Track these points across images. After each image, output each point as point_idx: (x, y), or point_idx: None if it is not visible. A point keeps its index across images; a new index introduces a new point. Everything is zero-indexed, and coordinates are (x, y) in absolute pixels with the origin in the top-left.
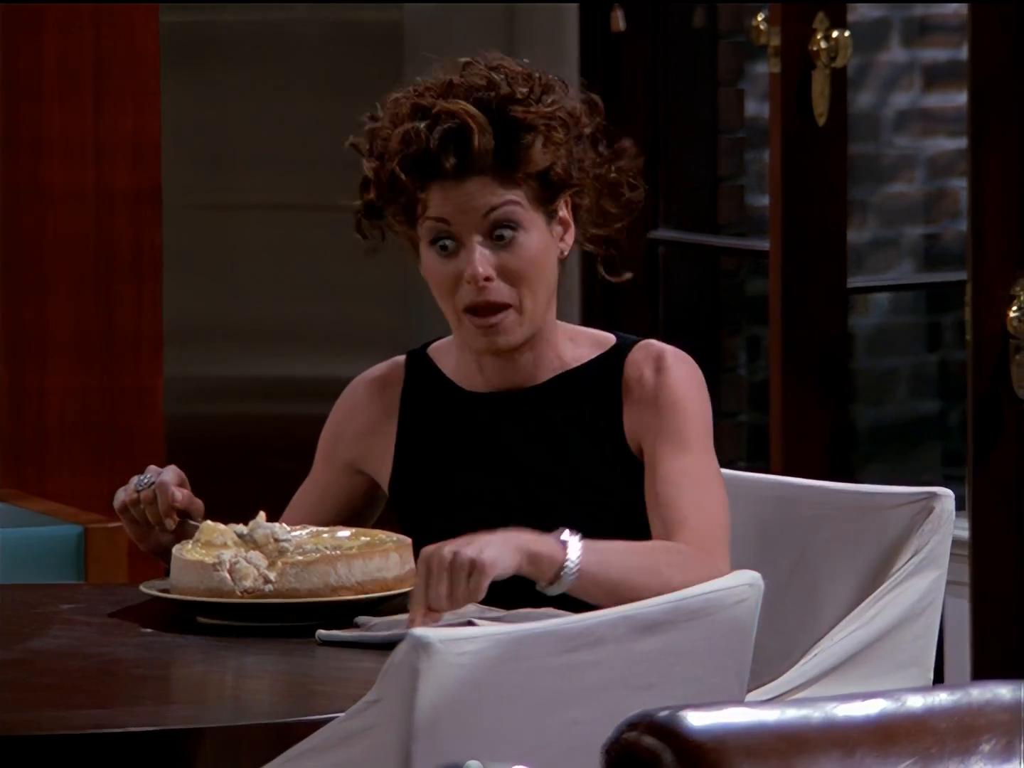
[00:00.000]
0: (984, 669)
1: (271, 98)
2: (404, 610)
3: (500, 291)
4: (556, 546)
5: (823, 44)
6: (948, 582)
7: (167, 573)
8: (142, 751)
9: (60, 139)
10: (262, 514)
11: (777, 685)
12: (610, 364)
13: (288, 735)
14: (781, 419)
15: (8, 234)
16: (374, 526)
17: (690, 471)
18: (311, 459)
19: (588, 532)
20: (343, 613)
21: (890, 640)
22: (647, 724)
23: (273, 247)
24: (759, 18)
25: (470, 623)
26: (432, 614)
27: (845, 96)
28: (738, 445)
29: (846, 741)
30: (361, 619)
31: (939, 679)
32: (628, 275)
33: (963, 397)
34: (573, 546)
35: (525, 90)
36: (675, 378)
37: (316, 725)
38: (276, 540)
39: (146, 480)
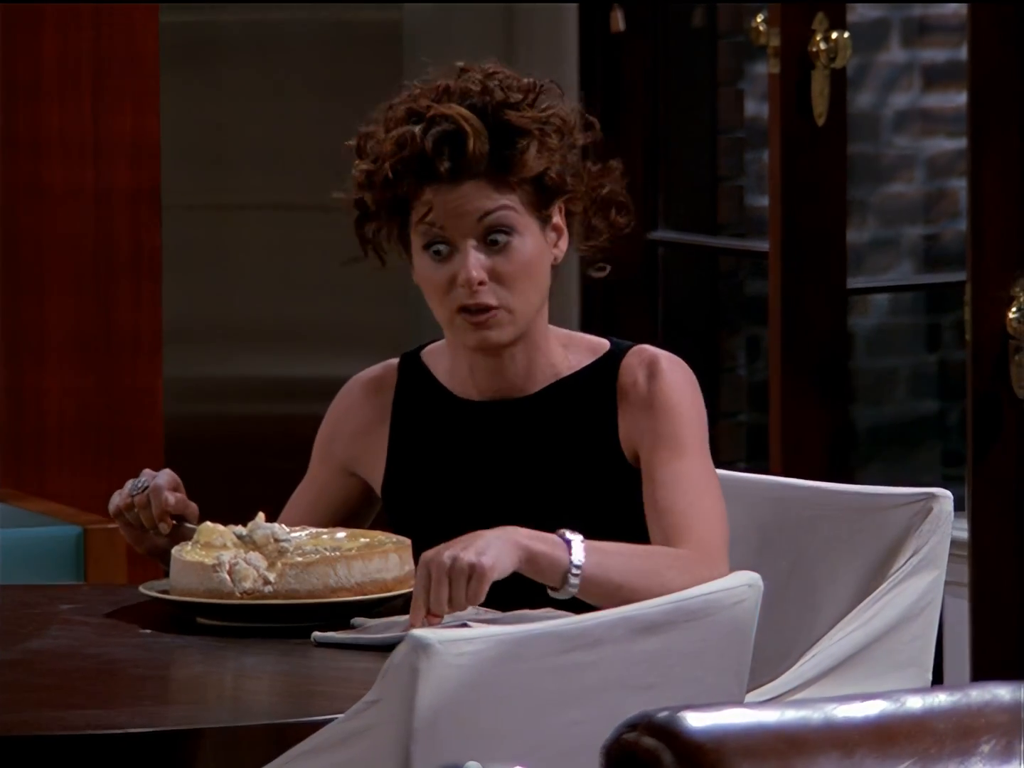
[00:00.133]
0: (983, 670)
1: (270, 98)
2: (403, 611)
3: (492, 293)
4: (557, 545)
5: (822, 44)
6: (947, 583)
7: (166, 574)
8: (141, 752)
9: (59, 139)
10: (261, 515)
11: (776, 686)
12: (604, 371)
13: (287, 736)
14: (780, 419)
15: (7, 234)
16: (371, 526)
17: (686, 476)
18: (310, 459)
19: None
20: (342, 614)
21: (889, 641)
22: (646, 725)
23: (272, 247)
24: (758, 18)
25: (465, 625)
26: (432, 618)
27: (844, 96)
28: (737, 445)
29: (845, 742)
30: (357, 620)
31: (938, 680)
32: (607, 270)
33: (962, 397)
34: (577, 547)
35: (520, 96)
36: (669, 383)
37: (315, 726)
38: (276, 540)
39: (140, 484)
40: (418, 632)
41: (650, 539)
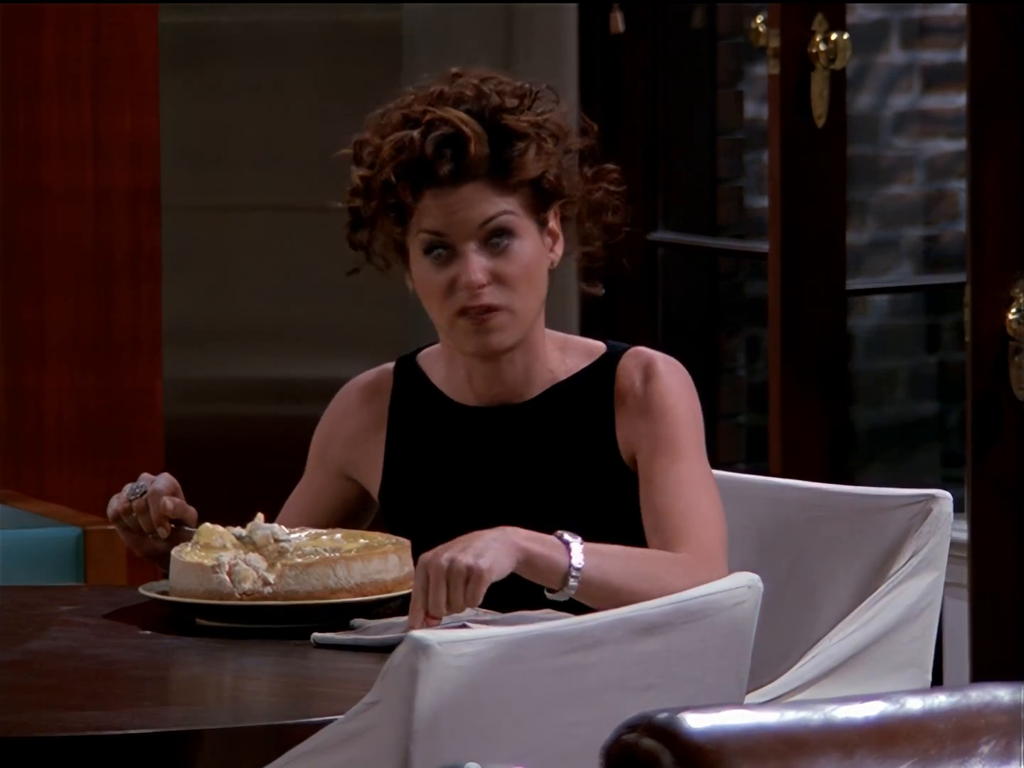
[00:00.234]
0: (983, 671)
1: (270, 98)
2: (402, 612)
3: (493, 295)
4: (555, 547)
5: (822, 46)
6: (947, 584)
7: (165, 577)
8: (141, 753)
9: (59, 139)
10: (260, 516)
11: (776, 687)
12: (601, 374)
13: (287, 737)
14: (780, 420)
15: (7, 234)
16: (368, 529)
17: (684, 480)
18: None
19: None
20: (342, 615)
21: (889, 642)
22: (646, 726)
23: (272, 248)
24: (758, 20)
25: (465, 627)
26: (430, 620)
27: (844, 98)
28: (737, 447)
29: (845, 743)
30: (356, 621)
31: (938, 681)
32: (602, 289)
33: (962, 399)
34: (576, 550)
35: (515, 101)
36: (665, 385)
37: (315, 727)
38: (275, 541)
39: (139, 488)
40: (417, 633)
41: (647, 543)
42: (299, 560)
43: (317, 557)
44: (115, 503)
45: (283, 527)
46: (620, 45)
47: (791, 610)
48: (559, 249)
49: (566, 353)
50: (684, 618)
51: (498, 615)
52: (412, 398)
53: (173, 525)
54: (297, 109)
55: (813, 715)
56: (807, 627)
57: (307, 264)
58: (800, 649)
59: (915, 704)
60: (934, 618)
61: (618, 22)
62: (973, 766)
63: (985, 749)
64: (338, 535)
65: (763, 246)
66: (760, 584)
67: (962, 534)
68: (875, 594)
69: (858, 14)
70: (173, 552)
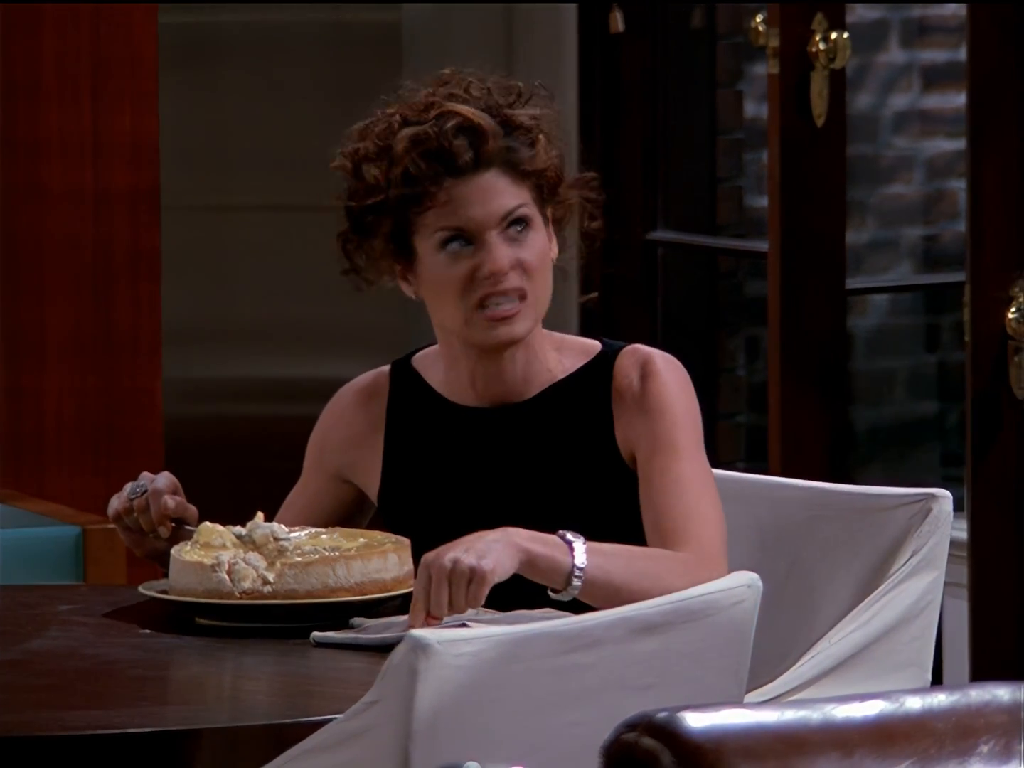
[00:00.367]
0: (982, 670)
1: (269, 99)
2: (402, 611)
3: (516, 279)
4: (557, 547)
5: (822, 45)
6: (946, 583)
7: (165, 576)
8: (140, 752)
9: (58, 140)
10: (260, 515)
11: (775, 686)
12: (598, 372)
13: (286, 736)
14: (779, 420)
15: (6, 235)
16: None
17: (683, 478)
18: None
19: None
20: (341, 614)
21: (888, 641)
22: (646, 725)
23: (271, 248)
24: (758, 19)
25: (464, 626)
26: (431, 620)
27: (844, 97)
28: (736, 446)
29: (845, 742)
30: (356, 621)
31: (937, 680)
32: (596, 297)
33: (962, 398)
34: (579, 550)
35: (512, 97)
36: (663, 383)
37: (314, 726)
38: (275, 540)
39: (139, 487)
40: (417, 632)
41: (647, 542)
42: (299, 559)
43: (317, 556)
44: (115, 503)
45: (283, 526)
46: (620, 45)
47: (791, 609)
48: (555, 249)
49: (562, 353)
50: (683, 617)
51: (498, 614)
52: (410, 400)
53: (174, 524)
54: (297, 109)
55: (812, 714)
56: (807, 627)
57: (307, 264)
58: (800, 649)
59: (915, 703)
60: (934, 617)
61: (618, 22)
62: (973, 765)
63: (985, 748)
64: (337, 534)
65: (763, 246)
66: (759, 583)
67: (962, 533)
68: (875, 593)
69: (858, 13)
70: (173, 551)
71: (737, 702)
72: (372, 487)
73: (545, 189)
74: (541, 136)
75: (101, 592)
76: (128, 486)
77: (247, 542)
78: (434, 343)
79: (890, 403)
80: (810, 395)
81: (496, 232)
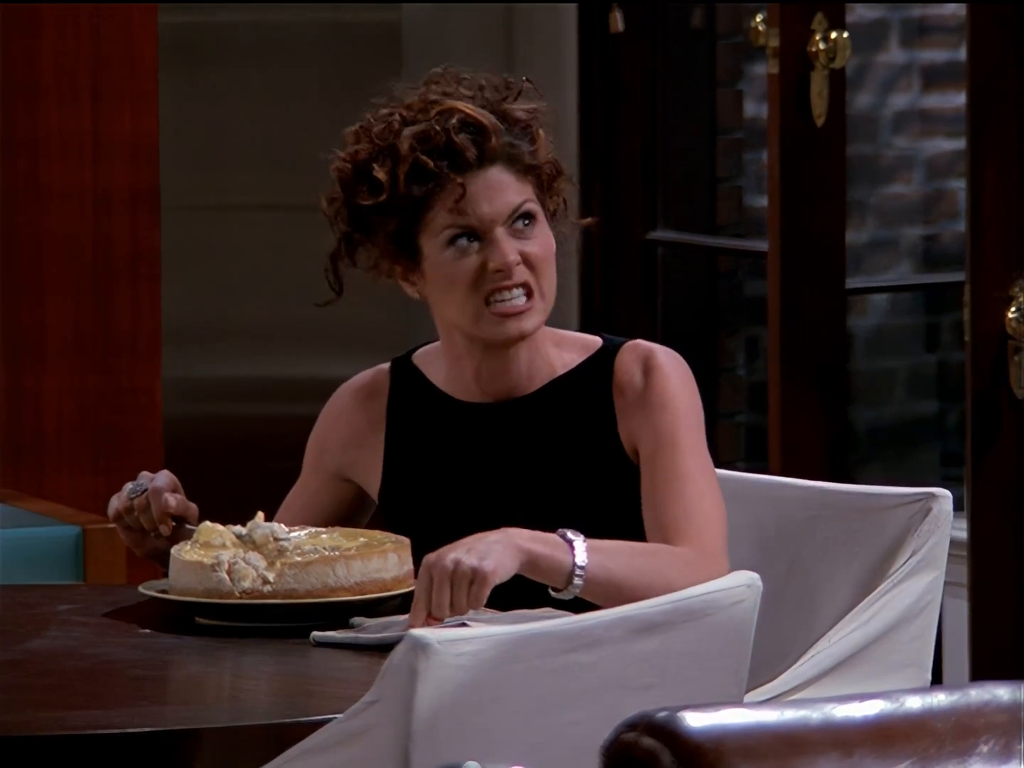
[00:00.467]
0: (982, 670)
1: (269, 99)
2: (402, 611)
3: (524, 273)
4: (558, 546)
5: (822, 45)
6: (946, 583)
7: (165, 576)
8: (139, 752)
9: (58, 140)
10: (260, 514)
11: (775, 686)
12: (599, 367)
13: (286, 736)
14: (779, 420)
15: (6, 235)
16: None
17: (685, 473)
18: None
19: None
20: (341, 614)
21: (888, 641)
22: (645, 725)
23: (271, 248)
24: (757, 19)
25: (464, 625)
26: (432, 621)
27: (844, 97)
28: (736, 446)
29: (845, 742)
30: (356, 620)
31: (937, 680)
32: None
33: (961, 398)
34: (579, 548)
35: (505, 92)
36: (665, 377)
37: (314, 726)
38: (275, 540)
39: (139, 487)
40: (417, 632)
41: (647, 536)
42: (298, 559)
43: (316, 556)
44: (115, 503)
45: (283, 525)
46: (619, 44)
47: (790, 609)
48: (553, 242)
49: (563, 348)
50: (683, 617)
51: (497, 614)
52: (411, 398)
53: (174, 523)
54: (297, 109)
55: (812, 714)
56: (806, 626)
57: (307, 264)
58: (799, 648)
59: (914, 703)
60: (934, 617)
61: (617, 21)
62: (972, 765)
63: (984, 748)
64: (337, 534)
65: (762, 245)
66: (759, 583)
67: (962, 533)
68: (874, 593)
69: (857, 13)
70: (172, 551)
71: (737, 702)
72: (373, 485)
73: (546, 182)
74: (540, 130)
75: (101, 592)
76: (128, 486)
77: (247, 542)
78: (433, 340)
79: (890, 403)
80: (810, 395)
81: (503, 228)
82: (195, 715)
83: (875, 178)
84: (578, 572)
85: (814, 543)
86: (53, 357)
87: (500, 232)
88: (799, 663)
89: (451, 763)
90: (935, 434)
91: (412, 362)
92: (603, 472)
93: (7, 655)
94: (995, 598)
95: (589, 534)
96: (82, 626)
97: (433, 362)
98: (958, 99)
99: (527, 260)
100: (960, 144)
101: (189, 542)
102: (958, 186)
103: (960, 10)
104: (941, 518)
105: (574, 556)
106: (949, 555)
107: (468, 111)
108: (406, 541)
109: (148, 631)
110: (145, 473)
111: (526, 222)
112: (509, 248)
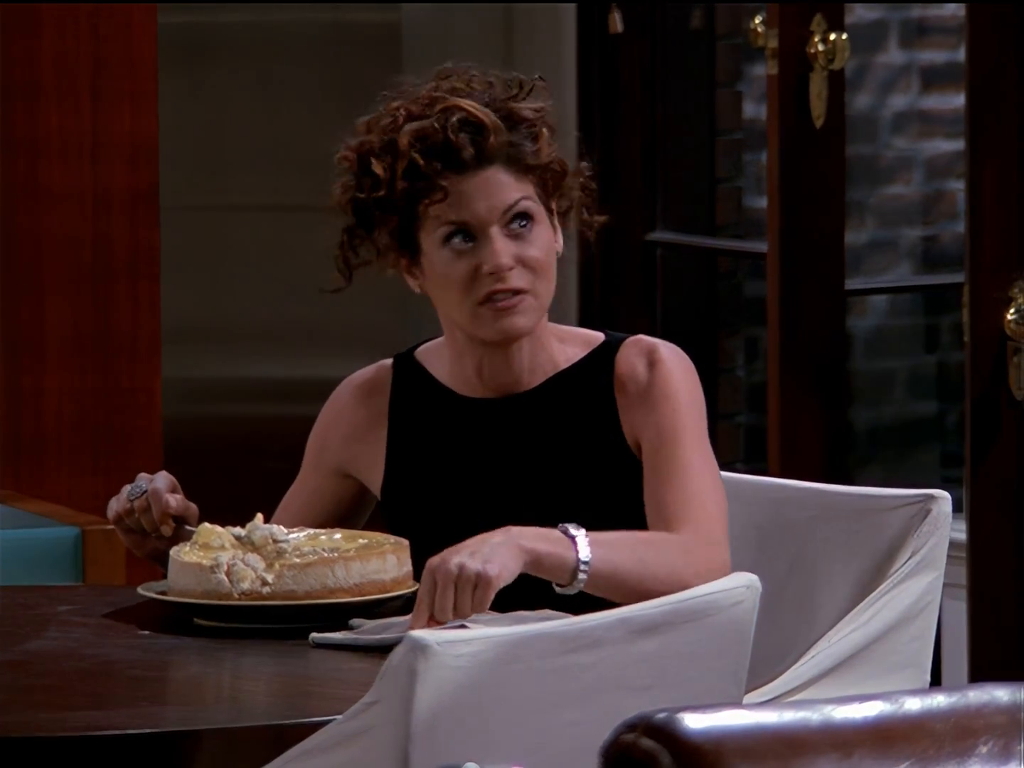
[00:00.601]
0: (982, 671)
1: (269, 99)
2: (401, 612)
3: (519, 277)
4: (560, 543)
5: (821, 46)
6: (945, 584)
7: (165, 577)
8: (139, 753)
9: (57, 140)
10: (259, 516)
11: (775, 687)
12: (602, 362)
13: (285, 737)
14: (779, 420)
15: (6, 235)
16: (364, 528)
17: (686, 464)
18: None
19: (590, 531)
20: (340, 615)
21: (887, 642)
22: (645, 726)
23: (271, 248)
24: (757, 20)
25: (464, 626)
26: (433, 623)
27: (843, 98)
28: (735, 446)
29: (844, 743)
30: (355, 621)
31: (936, 681)
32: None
33: (961, 399)
34: (582, 543)
35: (515, 90)
36: (668, 371)
37: (313, 727)
38: (274, 541)
39: (138, 488)
40: (416, 633)
41: (648, 528)
42: (297, 560)
43: (315, 557)
44: (115, 505)
45: (281, 527)
46: (619, 45)
47: (790, 610)
48: (560, 240)
49: (565, 343)
50: (683, 618)
51: (497, 615)
52: (414, 393)
53: (175, 524)
54: (297, 109)
55: (812, 715)
56: (806, 627)
57: (307, 264)
58: (799, 649)
59: (914, 704)
60: (933, 618)
61: (617, 22)
62: (971, 766)
63: (984, 749)
64: (337, 535)
65: (762, 246)
66: (758, 584)
67: (961, 534)
68: (874, 594)
69: (857, 14)
70: (172, 552)
71: (736, 703)
72: (375, 481)
73: (550, 183)
74: (544, 130)
75: (100, 593)
76: (126, 488)
77: (246, 543)
78: (436, 336)
79: (889, 404)
80: (809, 395)
81: (498, 228)
82: (194, 716)
83: (874, 179)
84: (582, 567)
85: (814, 543)
86: (53, 357)
87: (495, 231)
88: (799, 664)
89: (450, 764)
90: (934, 435)
91: (415, 357)
92: (606, 466)
93: (7, 656)
94: (994, 599)
95: (592, 528)
96: (82, 627)
97: (436, 357)
98: (957, 100)
99: (525, 263)
100: (959, 145)
101: (188, 543)
102: (957, 187)
103: (959, 11)
104: (940, 519)
105: (577, 551)
106: (948, 556)
107: (470, 109)
108: (405, 543)
109: (147, 632)
110: (143, 475)
111: (523, 223)
112: (503, 249)
